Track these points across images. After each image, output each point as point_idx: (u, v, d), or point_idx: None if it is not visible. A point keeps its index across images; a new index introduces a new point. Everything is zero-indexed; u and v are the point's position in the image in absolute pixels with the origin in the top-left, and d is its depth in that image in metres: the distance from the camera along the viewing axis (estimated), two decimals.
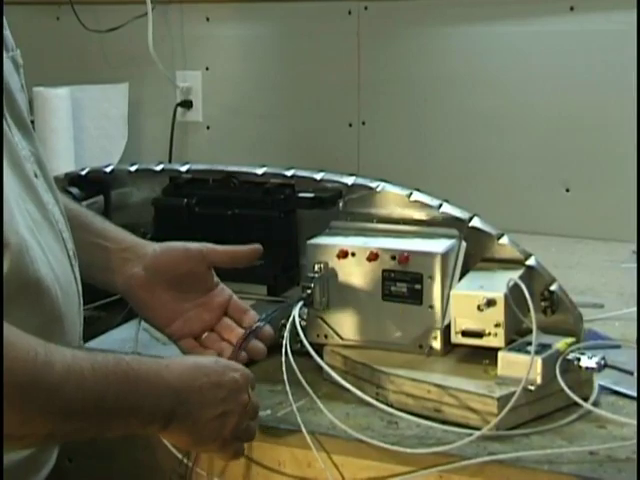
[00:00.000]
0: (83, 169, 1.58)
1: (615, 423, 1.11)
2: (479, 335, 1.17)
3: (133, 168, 1.54)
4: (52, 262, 1.01)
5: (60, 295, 1.02)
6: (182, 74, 2.45)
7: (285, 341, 1.18)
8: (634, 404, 1.17)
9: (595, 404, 1.16)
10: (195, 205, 1.47)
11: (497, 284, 1.18)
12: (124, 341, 1.33)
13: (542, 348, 1.13)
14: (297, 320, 1.20)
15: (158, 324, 1.23)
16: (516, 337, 1.18)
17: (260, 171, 1.45)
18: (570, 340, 1.18)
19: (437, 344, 1.23)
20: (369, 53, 2.24)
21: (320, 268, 1.26)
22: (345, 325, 1.27)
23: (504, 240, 1.26)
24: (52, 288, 1.00)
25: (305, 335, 1.20)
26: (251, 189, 1.45)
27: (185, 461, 1.14)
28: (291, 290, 1.44)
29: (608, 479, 1.01)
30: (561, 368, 1.13)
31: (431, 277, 1.22)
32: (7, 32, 1.11)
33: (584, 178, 2.06)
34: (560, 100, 2.06)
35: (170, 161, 2.37)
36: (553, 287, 1.24)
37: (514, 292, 1.16)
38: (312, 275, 1.25)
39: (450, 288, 1.22)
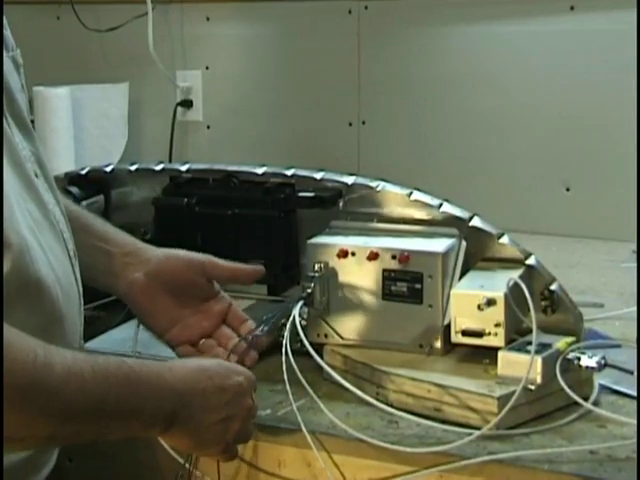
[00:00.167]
0: (83, 168, 1.58)
1: (615, 422, 1.11)
2: (479, 334, 1.17)
3: (133, 167, 1.54)
4: (53, 262, 1.01)
5: (61, 295, 1.01)
6: (182, 74, 2.45)
7: (285, 340, 1.18)
8: (634, 403, 1.17)
9: (595, 403, 1.16)
10: (195, 205, 1.47)
11: (497, 283, 1.18)
12: (124, 341, 1.33)
13: (542, 347, 1.13)
14: (297, 320, 1.20)
15: (157, 330, 1.22)
16: (516, 336, 1.18)
17: (260, 170, 1.45)
18: (570, 339, 1.18)
19: (437, 343, 1.23)
20: (369, 52, 2.24)
21: (320, 268, 1.26)
22: (345, 325, 1.27)
23: (504, 239, 1.26)
24: (53, 288, 1.00)
25: (305, 335, 1.20)
26: (251, 189, 1.45)
27: (187, 465, 1.14)
28: (291, 289, 1.44)
29: (608, 478, 1.01)
30: (561, 367, 1.13)
31: (431, 276, 1.22)
32: (7, 32, 1.11)
33: (584, 178, 2.06)
34: (560, 100, 2.06)
35: (170, 161, 2.37)
36: (553, 286, 1.24)
37: (514, 291, 1.16)
38: (312, 275, 1.25)
39: (450, 287, 1.22)
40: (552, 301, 1.23)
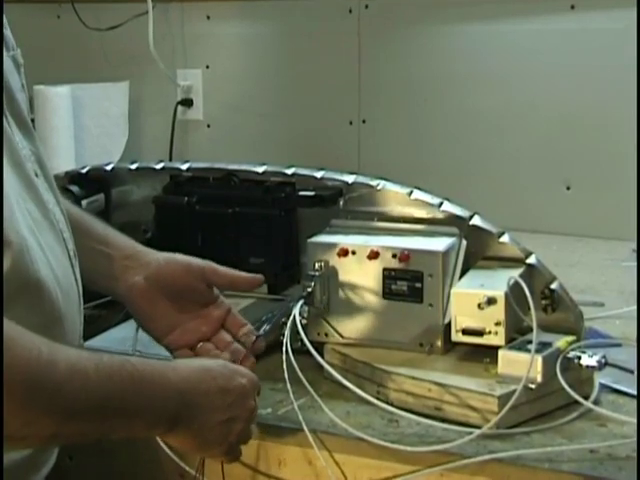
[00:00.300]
0: (84, 167, 1.57)
1: (615, 421, 1.11)
2: (479, 333, 1.17)
3: (134, 166, 1.54)
4: (52, 262, 1.01)
5: (60, 295, 1.01)
6: (183, 72, 2.46)
7: (286, 339, 1.18)
8: (634, 402, 1.17)
9: (595, 402, 1.16)
10: (196, 203, 1.47)
11: (498, 282, 1.18)
12: (124, 339, 1.32)
13: (542, 346, 1.13)
14: (297, 318, 1.20)
15: (155, 334, 1.22)
16: (516, 335, 1.18)
17: (260, 169, 1.45)
18: (571, 338, 1.18)
19: (438, 342, 1.23)
20: (370, 51, 2.24)
21: (321, 266, 1.26)
22: (346, 323, 1.27)
23: (505, 238, 1.26)
24: (52, 288, 1.00)
25: (305, 333, 1.20)
26: (251, 187, 1.45)
27: (186, 468, 1.15)
28: (291, 288, 1.44)
29: (608, 477, 1.01)
30: (562, 366, 1.13)
31: (432, 275, 1.22)
32: (7, 31, 1.10)
33: (585, 177, 2.06)
34: (561, 98, 2.06)
35: (171, 159, 2.37)
36: (554, 285, 1.24)
37: (515, 290, 1.16)
38: (313, 273, 1.25)
39: (451, 286, 1.22)
40: (552, 300, 1.23)
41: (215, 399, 1.01)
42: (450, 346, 1.23)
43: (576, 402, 1.13)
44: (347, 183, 1.36)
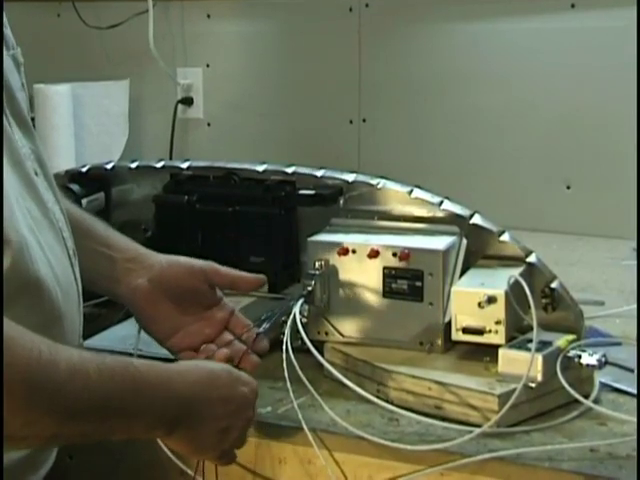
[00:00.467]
0: (84, 166, 1.57)
1: (616, 420, 1.11)
2: (480, 332, 1.17)
3: (134, 165, 1.54)
4: (52, 261, 1.01)
5: (60, 295, 1.01)
6: (183, 71, 2.46)
7: (286, 338, 1.18)
8: (634, 401, 1.17)
9: (596, 401, 1.16)
10: (196, 202, 1.47)
11: (498, 281, 1.18)
12: (125, 338, 1.32)
13: (543, 345, 1.13)
14: (298, 317, 1.20)
15: (158, 337, 1.22)
16: (517, 334, 1.18)
17: (261, 168, 1.45)
18: (571, 337, 1.18)
19: (438, 341, 1.23)
20: (370, 50, 2.24)
21: (321, 265, 1.26)
22: (346, 322, 1.27)
23: (505, 237, 1.26)
24: (52, 287, 0.99)
25: (306, 332, 1.20)
26: (252, 186, 1.45)
27: (185, 469, 1.15)
28: (292, 287, 1.44)
29: (608, 476, 1.01)
30: (562, 365, 1.13)
31: (432, 274, 1.22)
32: (8, 30, 1.10)
33: (585, 175, 2.06)
34: (561, 97, 2.06)
35: (171, 158, 2.38)
36: (554, 284, 1.24)
37: (515, 289, 1.16)
38: (313, 272, 1.25)
39: (451, 285, 1.22)
40: (553, 299, 1.23)
41: (216, 408, 1.01)
42: (450, 345, 1.23)
43: (576, 401, 1.13)
44: (347, 182, 1.36)
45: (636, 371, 1.24)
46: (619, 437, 1.08)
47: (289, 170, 1.43)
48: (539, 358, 1.10)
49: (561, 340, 1.16)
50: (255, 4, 2.36)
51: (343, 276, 1.26)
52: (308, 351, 1.18)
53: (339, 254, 1.26)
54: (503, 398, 1.10)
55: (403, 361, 1.20)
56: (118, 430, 0.95)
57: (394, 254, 1.23)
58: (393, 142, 2.24)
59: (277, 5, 2.32)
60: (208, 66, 2.44)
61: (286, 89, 2.36)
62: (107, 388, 0.91)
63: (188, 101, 2.46)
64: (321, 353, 1.20)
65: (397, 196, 1.33)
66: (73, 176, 1.55)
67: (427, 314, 1.23)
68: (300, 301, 1.23)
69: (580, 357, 1.14)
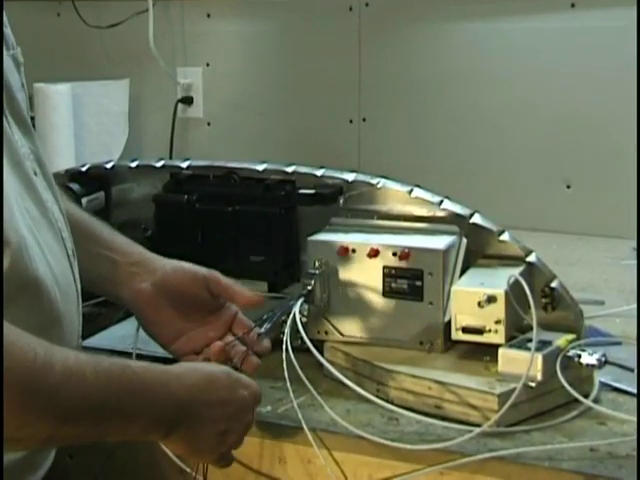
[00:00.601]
0: (84, 165, 1.57)
1: (615, 420, 1.11)
2: (479, 332, 1.17)
3: (134, 164, 1.54)
4: (51, 261, 1.01)
5: (59, 295, 1.01)
6: (183, 70, 2.46)
7: (286, 337, 1.18)
8: (634, 401, 1.17)
9: (595, 401, 1.16)
10: (196, 201, 1.47)
11: (498, 281, 1.18)
12: (125, 337, 1.32)
13: (543, 345, 1.13)
14: (298, 316, 1.20)
15: (162, 341, 1.22)
16: (517, 334, 1.18)
17: (261, 167, 1.45)
18: (571, 337, 1.18)
19: (438, 341, 1.23)
20: (370, 49, 2.24)
21: (321, 264, 1.26)
22: (346, 322, 1.27)
23: (505, 237, 1.26)
24: (51, 287, 0.99)
25: (306, 331, 1.20)
26: (252, 185, 1.45)
27: (185, 468, 1.15)
28: (292, 286, 1.44)
29: (608, 475, 1.01)
30: (562, 365, 1.13)
31: (432, 273, 1.22)
32: (8, 30, 1.10)
33: (585, 175, 2.06)
34: (561, 97, 2.06)
35: (171, 157, 2.38)
36: (554, 284, 1.24)
37: (515, 289, 1.16)
38: (313, 271, 1.25)
39: (451, 285, 1.22)
40: (552, 298, 1.23)
41: (215, 410, 1.01)
42: (450, 344, 1.23)
43: (576, 400, 1.13)
44: (347, 181, 1.36)
45: (636, 371, 1.24)
46: (619, 437, 1.08)
47: (289, 169, 1.43)
48: (539, 358, 1.10)
49: (561, 340, 1.16)
50: (255, 3, 2.36)
51: (343, 275, 1.26)
52: (308, 350, 1.18)
53: (339, 253, 1.26)
54: (503, 397, 1.10)
55: (403, 360, 1.20)
56: (114, 432, 0.95)
57: (394, 253, 1.23)
58: (393, 141, 2.24)
59: (277, 4, 2.32)
60: (208, 65, 2.44)
61: (286, 88, 2.36)
62: (103, 390, 0.91)
63: (188, 100, 2.46)
64: (321, 352, 1.20)
65: (397, 195, 1.33)
66: (73, 175, 1.55)
67: (427, 313, 1.23)
68: (300, 300, 1.23)
69: (580, 357, 1.14)
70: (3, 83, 1.02)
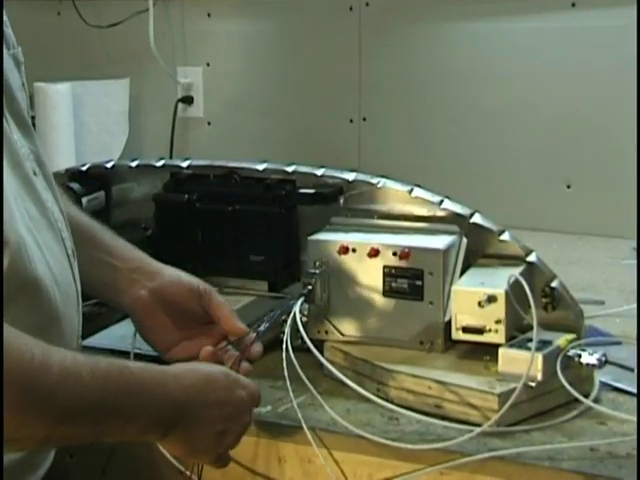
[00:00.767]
0: (84, 165, 1.57)
1: (615, 419, 1.11)
2: (480, 331, 1.17)
3: (134, 164, 1.54)
4: (50, 261, 1.00)
5: (58, 295, 1.01)
6: (183, 70, 2.45)
7: (286, 337, 1.18)
8: (634, 400, 1.17)
9: (596, 400, 1.16)
10: (196, 201, 1.47)
11: (498, 280, 1.18)
12: (124, 337, 1.32)
13: (543, 344, 1.13)
14: (298, 316, 1.20)
15: (158, 348, 1.21)
16: (517, 333, 1.18)
17: (261, 167, 1.45)
18: (571, 337, 1.18)
19: (438, 340, 1.23)
20: (370, 49, 2.24)
21: (321, 264, 1.26)
22: (346, 321, 1.27)
23: (505, 236, 1.26)
24: (50, 288, 0.99)
25: (306, 331, 1.20)
26: (252, 185, 1.45)
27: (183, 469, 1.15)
28: (292, 286, 1.44)
29: (608, 475, 1.01)
30: (562, 364, 1.13)
31: (432, 273, 1.22)
32: (8, 30, 1.10)
33: (585, 175, 2.06)
34: (561, 96, 2.06)
35: (171, 157, 2.38)
36: (554, 284, 1.24)
37: (515, 288, 1.16)
38: (313, 271, 1.25)
39: (451, 284, 1.22)
40: (553, 298, 1.23)
41: (212, 411, 1.01)
42: (450, 344, 1.23)
43: (576, 400, 1.13)
44: (347, 181, 1.36)
45: (636, 370, 1.24)
46: (619, 436, 1.08)
47: (289, 169, 1.43)
48: (539, 357, 1.10)
49: (561, 339, 1.16)
50: (255, 3, 2.36)
51: (343, 275, 1.26)
52: (308, 350, 1.18)
53: (339, 253, 1.26)
54: (503, 397, 1.10)
55: (403, 360, 1.20)
56: (111, 433, 0.95)
57: (394, 253, 1.23)
58: (393, 141, 2.23)
59: (277, 4, 2.32)
60: (208, 65, 2.44)
61: (286, 88, 2.36)
62: (100, 391, 0.91)
63: (188, 100, 2.46)
64: (321, 352, 1.20)
65: (397, 195, 1.33)
66: (73, 175, 1.55)
67: (427, 313, 1.23)
68: (300, 300, 1.23)
69: (580, 356, 1.14)
70: (3, 83, 1.02)
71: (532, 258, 1.25)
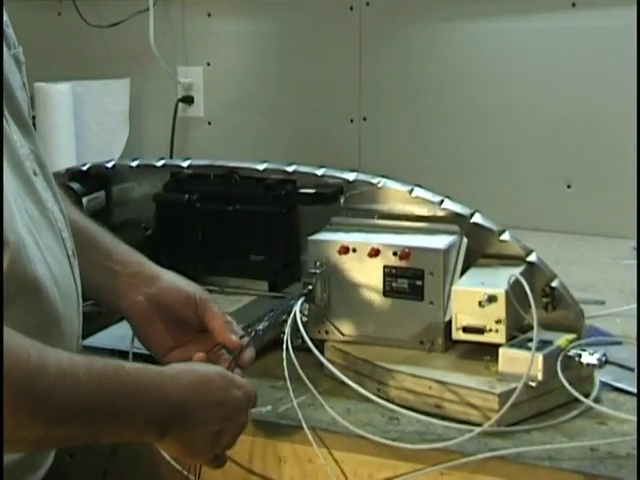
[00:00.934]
0: (84, 164, 1.57)
1: (616, 419, 1.11)
2: (480, 331, 1.17)
3: (134, 163, 1.54)
4: (50, 262, 1.00)
5: (58, 296, 1.01)
6: (183, 70, 2.45)
7: (286, 337, 1.18)
8: (635, 400, 1.17)
9: (596, 400, 1.16)
10: (196, 201, 1.47)
11: (498, 280, 1.18)
12: (124, 337, 1.32)
13: (543, 344, 1.13)
14: (298, 316, 1.20)
15: (155, 352, 1.22)
16: (517, 333, 1.18)
17: (261, 167, 1.45)
18: (571, 336, 1.18)
19: (438, 340, 1.23)
20: (370, 49, 2.24)
21: (321, 264, 1.26)
22: (346, 321, 1.27)
23: (505, 236, 1.26)
24: (50, 288, 0.99)
25: (306, 331, 1.20)
26: (252, 185, 1.45)
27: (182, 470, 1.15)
28: (292, 286, 1.44)
29: (608, 475, 1.01)
30: (562, 364, 1.13)
31: (432, 273, 1.22)
32: (9, 29, 1.10)
33: (585, 175, 2.06)
34: (561, 96, 2.06)
35: (171, 156, 2.37)
36: (554, 283, 1.24)
37: (515, 288, 1.16)
38: (313, 271, 1.25)
39: (451, 284, 1.22)
40: (553, 298, 1.23)
41: (209, 411, 1.01)
42: (450, 344, 1.23)
43: (576, 400, 1.13)
44: (348, 181, 1.36)
45: (636, 370, 1.24)
46: (619, 436, 1.08)
47: (290, 169, 1.43)
48: (539, 357, 1.10)
49: (561, 339, 1.16)
50: (256, 3, 2.36)
51: (343, 275, 1.26)
52: (308, 350, 1.18)
53: (339, 253, 1.26)
54: (503, 397, 1.10)
55: (403, 360, 1.21)
56: (108, 434, 0.95)
57: (394, 253, 1.23)
58: (394, 141, 2.23)
59: (278, 4, 2.32)
60: (209, 65, 2.44)
61: (287, 88, 2.36)
62: (97, 392, 0.91)
63: (189, 100, 2.46)
64: (321, 352, 1.20)
65: (398, 195, 1.33)
66: (74, 175, 1.55)
67: (427, 313, 1.23)
68: (300, 300, 1.23)
69: (580, 356, 1.14)
70: (3, 83, 1.02)
71: (532, 258, 1.25)
